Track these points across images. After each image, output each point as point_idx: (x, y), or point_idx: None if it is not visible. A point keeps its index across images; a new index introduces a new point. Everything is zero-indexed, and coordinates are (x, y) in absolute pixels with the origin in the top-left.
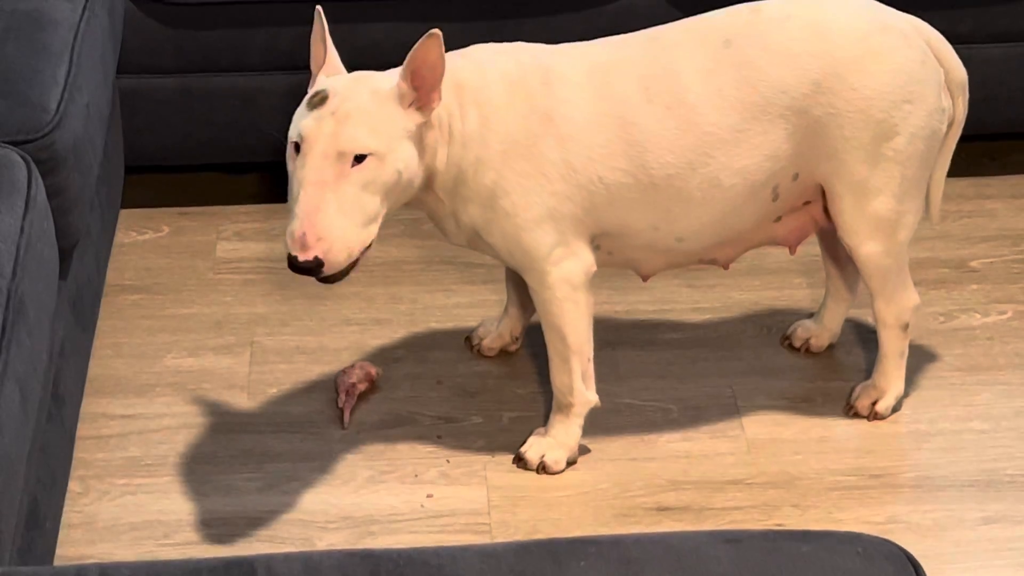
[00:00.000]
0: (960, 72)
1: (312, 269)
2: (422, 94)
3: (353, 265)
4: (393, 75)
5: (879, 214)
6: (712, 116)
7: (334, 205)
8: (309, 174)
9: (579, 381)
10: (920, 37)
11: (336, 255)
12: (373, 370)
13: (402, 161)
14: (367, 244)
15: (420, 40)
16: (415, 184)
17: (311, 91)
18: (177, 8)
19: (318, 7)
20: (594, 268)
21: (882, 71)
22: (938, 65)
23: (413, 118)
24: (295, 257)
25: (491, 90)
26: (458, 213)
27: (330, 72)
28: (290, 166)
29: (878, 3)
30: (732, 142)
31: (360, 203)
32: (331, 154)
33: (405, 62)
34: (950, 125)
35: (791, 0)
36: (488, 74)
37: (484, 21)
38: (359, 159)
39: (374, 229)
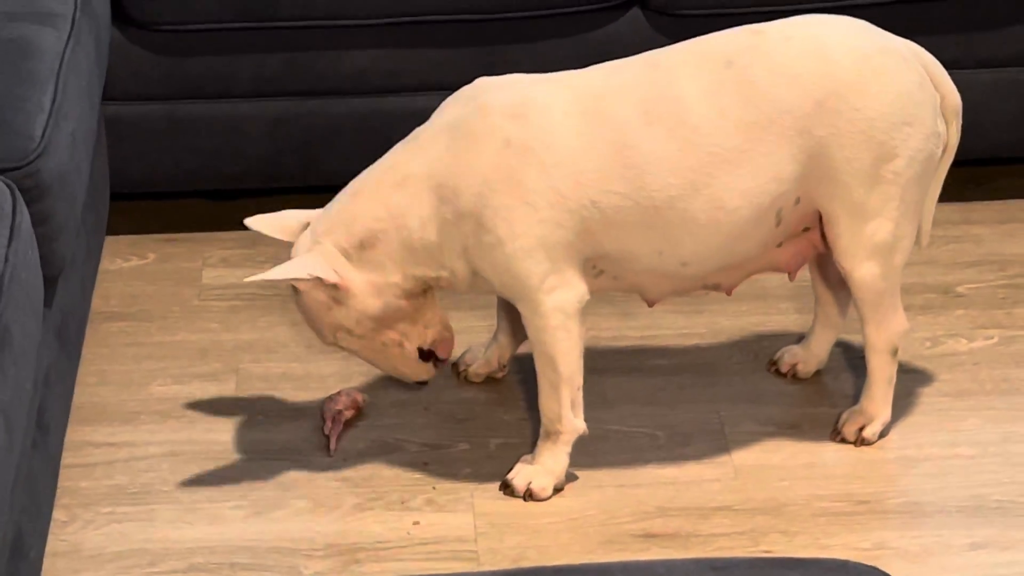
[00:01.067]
0: (955, 97)
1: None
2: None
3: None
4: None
5: (876, 237)
6: (716, 137)
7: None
8: None
9: (568, 409)
10: (917, 61)
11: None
12: (359, 397)
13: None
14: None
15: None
16: (388, 313)
17: None
18: (163, 35)
19: (247, 221)
20: (587, 296)
21: (883, 92)
22: (934, 89)
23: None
24: None
25: (437, 158)
26: (447, 265)
27: (292, 233)
28: None
29: (876, 27)
30: (736, 163)
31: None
32: None
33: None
34: (944, 150)
35: (792, 22)
36: (429, 147)
37: (471, 47)
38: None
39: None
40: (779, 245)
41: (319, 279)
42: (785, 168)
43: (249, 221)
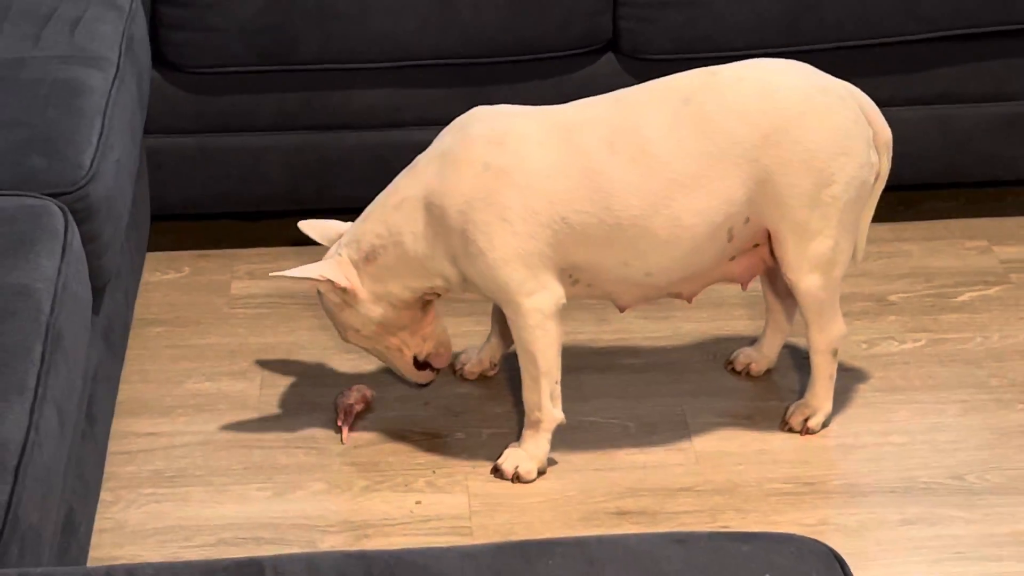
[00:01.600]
0: (886, 132)
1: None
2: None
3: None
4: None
5: (818, 252)
6: (674, 164)
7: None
8: None
9: (547, 400)
10: (853, 100)
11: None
12: (368, 392)
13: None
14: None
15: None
16: (388, 320)
17: None
18: (196, 76)
19: (299, 224)
20: (563, 300)
21: (822, 127)
22: (868, 124)
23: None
24: None
25: (429, 181)
26: (440, 272)
27: (331, 241)
28: None
29: (817, 70)
30: (692, 187)
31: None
32: None
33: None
34: (876, 177)
35: (744, 65)
36: (423, 172)
37: (464, 88)
38: None
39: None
40: (732, 259)
41: (330, 282)
42: (736, 192)
43: (302, 224)
